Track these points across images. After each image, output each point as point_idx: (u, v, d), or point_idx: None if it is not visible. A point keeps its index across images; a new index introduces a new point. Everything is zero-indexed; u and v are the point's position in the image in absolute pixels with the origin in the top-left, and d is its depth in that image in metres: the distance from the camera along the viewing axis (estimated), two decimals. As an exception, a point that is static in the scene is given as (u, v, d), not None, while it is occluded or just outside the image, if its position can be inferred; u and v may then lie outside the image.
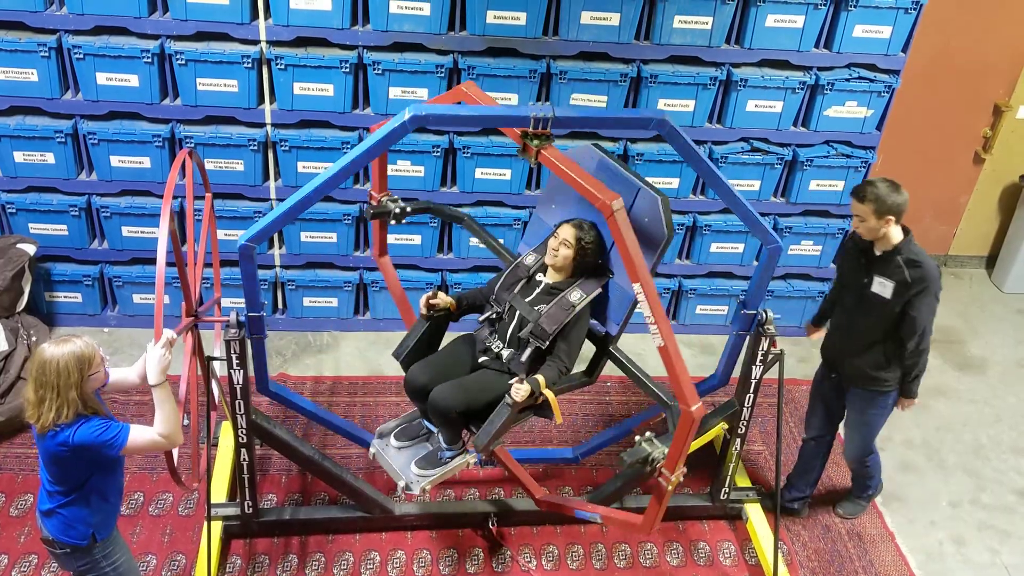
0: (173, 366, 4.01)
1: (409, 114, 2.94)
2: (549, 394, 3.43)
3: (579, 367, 3.81)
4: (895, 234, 3.74)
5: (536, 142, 3.07)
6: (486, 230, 4.24)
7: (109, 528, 3.16)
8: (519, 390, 3.36)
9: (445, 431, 3.67)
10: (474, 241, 5.25)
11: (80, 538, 3.07)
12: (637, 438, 3.34)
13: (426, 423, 3.84)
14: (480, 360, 3.71)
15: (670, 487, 3.33)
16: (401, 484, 3.67)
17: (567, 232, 3.58)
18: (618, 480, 4.16)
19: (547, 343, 3.51)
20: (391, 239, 5.19)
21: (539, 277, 3.68)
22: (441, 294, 3.76)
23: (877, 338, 3.90)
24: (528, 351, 3.56)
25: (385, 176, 3.97)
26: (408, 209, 3.92)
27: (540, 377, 3.43)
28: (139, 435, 2.96)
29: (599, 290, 3.61)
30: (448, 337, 3.88)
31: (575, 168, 3.06)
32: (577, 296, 3.54)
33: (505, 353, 3.62)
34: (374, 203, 3.99)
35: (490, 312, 3.72)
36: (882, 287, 3.80)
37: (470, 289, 3.91)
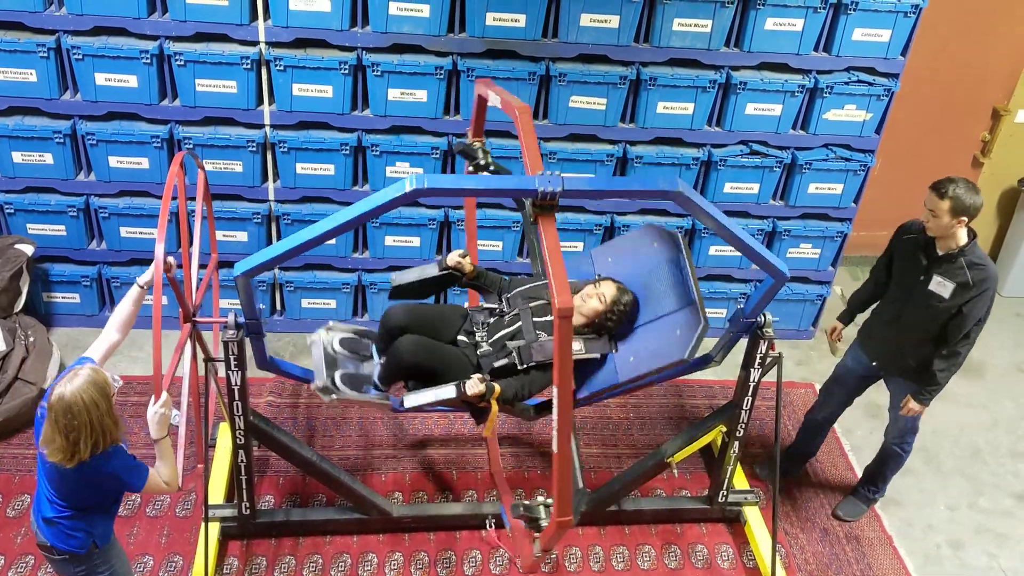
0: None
1: (410, 187, 2.84)
2: (494, 406, 3.43)
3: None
4: (962, 235, 3.72)
5: (537, 210, 2.95)
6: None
7: (108, 536, 3.15)
8: (474, 385, 3.37)
9: (386, 372, 3.64)
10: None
11: (80, 547, 3.05)
12: (540, 499, 3.38)
13: (373, 350, 3.80)
14: (458, 338, 3.69)
15: (536, 555, 3.40)
16: (317, 384, 3.57)
17: (609, 290, 3.60)
18: (615, 483, 4.17)
19: (524, 367, 3.52)
20: (390, 240, 5.19)
21: None
22: (468, 260, 3.77)
23: (928, 335, 3.91)
24: (503, 360, 3.57)
25: (482, 123, 3.90)
26: (492, 168, 3.79)
27: (497, 387, 3.43)
28: (153, 480, 3.04)
29: (598, 356, 3.62)
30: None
31: (556, 256, 2.87)
32: (578, 347, 3.53)
33: (483, 348, 3.63)
34: (467, 141, 3.91)
35: (495, 304, 3.72)
36: (941, 286, 3.78)
37: (493, 272, 3.89)
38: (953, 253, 3.74)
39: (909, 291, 3.91)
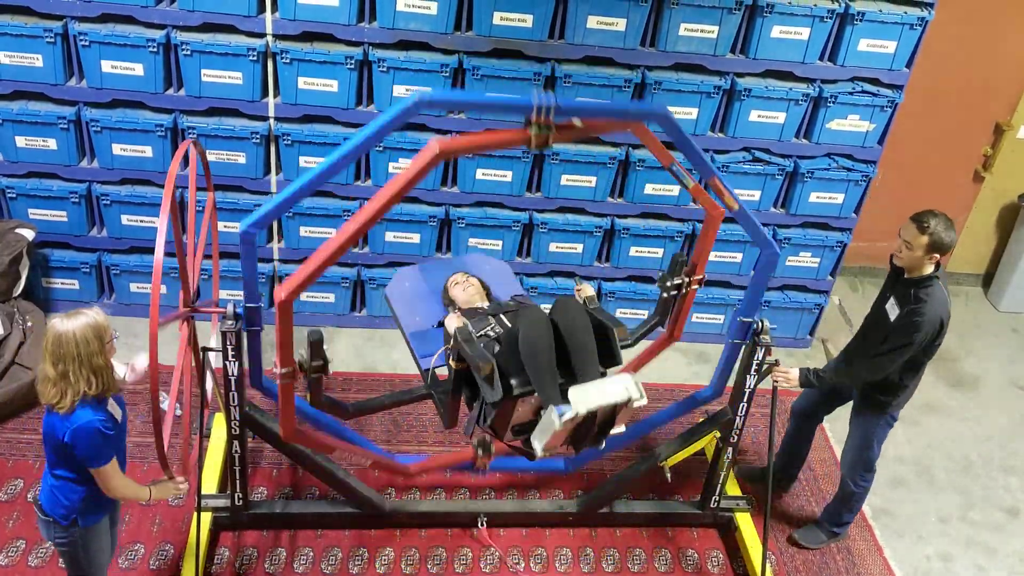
0: (169, 356, 4.02)
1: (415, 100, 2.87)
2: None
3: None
4: (929, 267, 3.71)
5: (535, 129, 2.92)
6: None
7: (95, 519, 3.17)
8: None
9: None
10: (472, 242, 5.25)
11: (62, 517, 3.10)
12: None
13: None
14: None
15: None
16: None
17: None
18: (608, 485, 4.18)
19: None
20: (390, 236, 5.20)
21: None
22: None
23: None
24: None
25: None
26: None
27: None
28: (108, 474, 3.02)
29: None
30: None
31: None
32: None
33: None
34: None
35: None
36: (892, 309, 3.81)
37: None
38: (915, 279, 3.74)
39: (874, 313, 3.96)
